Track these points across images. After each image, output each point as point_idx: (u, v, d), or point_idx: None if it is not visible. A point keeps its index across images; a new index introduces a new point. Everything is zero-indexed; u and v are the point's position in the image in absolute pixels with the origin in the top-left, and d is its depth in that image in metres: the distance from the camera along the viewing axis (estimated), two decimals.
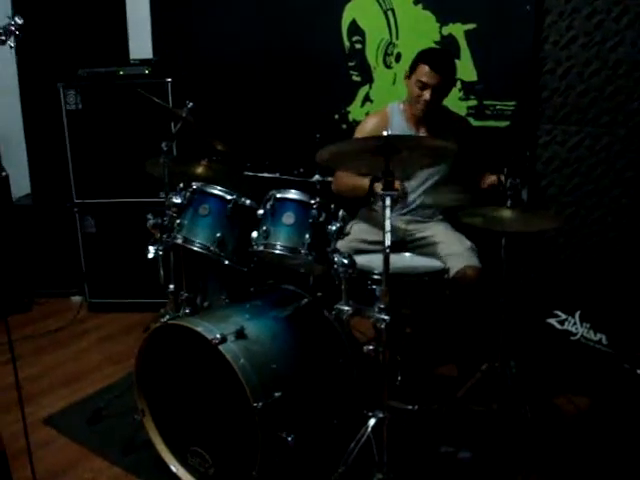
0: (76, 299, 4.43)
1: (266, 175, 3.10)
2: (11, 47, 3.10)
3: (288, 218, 2.44)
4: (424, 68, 2.91)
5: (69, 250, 4.27)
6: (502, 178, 2.83)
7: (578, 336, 3.11)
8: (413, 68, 2.97)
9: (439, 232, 3.11)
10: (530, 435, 2.70)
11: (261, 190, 2.62)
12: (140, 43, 4.42)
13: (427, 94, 2.92)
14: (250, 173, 3.13)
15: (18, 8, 4.30)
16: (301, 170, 2.98)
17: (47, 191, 4.56)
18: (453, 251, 2.95)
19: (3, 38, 3.08)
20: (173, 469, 2.49)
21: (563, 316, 3.13)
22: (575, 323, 3.11)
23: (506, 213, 2.63)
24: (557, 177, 3.35)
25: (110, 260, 4.17)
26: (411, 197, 3.10)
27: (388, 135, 2.13)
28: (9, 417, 2.42)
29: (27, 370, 3.45)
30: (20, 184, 4.56)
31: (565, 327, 3.13)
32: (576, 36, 3.18)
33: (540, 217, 2.82)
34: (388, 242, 2.14)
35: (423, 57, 2.96)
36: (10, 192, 4.19)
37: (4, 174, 4.11)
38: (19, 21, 3.08)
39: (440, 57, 3.01)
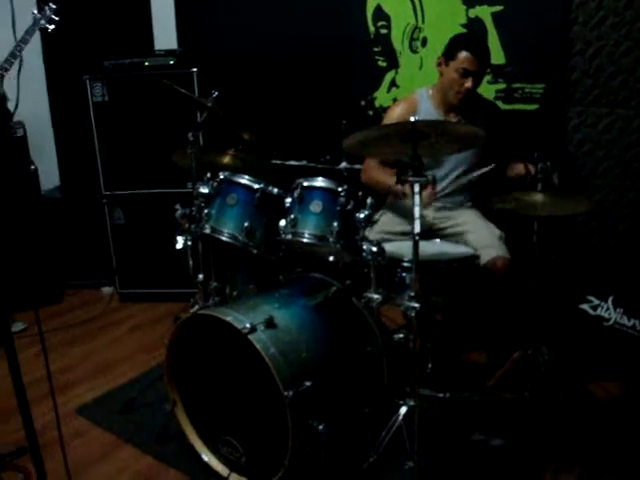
0: (107, 290, 4.46)
1: (293, 163, 3.09)
2: (49, 31, 3.32)
3: (316, 206, 2.42)
4: (466, 55, 2.84)
5: (99, 241, 4.30)
6: (530, 168, 2.80)
7: (611, 322, 3.06)
8: (452, 55, 2.89)
9: (469, 220, 3.07)
10: (563, 422, 2.68)
11: (288, 178, 2.61)
12: (165, 34, 4.43)
13: (469, 82, 2.87)
14: (277, 161, 3.12)
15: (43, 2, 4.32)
16: (328, 157, 2.96)
17: (76, 183, 4.60)
18: (483, 241, 2.90)
19: (43, 23, 3.31)
20: (205, 458, 2.50)
21: (596, 301, 3.09)
22: (608, 308, 3.06)
23: (537, 197, 2.60)
24: (588, 160, 3.29)
25: (140, 251, 4.20)
26: (440, 185, 3.07)
27: (415, 120, 2.11)
28: (42, 407, 2.44)
29: (59, 361, 3.48)
30: (49, 177, 4.60)
31: (598, 313, 3.08)
32: (606, 16, 3.11)
33: (571, 201, 2.78)
34: (417, 229, 2.12)
35: (463, 43, 2.89)
36: (39, 185, 4.22)
37: (33, 167, 4.15)
38: (53, 6, 3.31)
39: (480, 43, 2.96)
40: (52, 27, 3.51)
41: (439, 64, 2.98)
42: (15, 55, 3.40)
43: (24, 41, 3.43)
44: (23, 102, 3.56)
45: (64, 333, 3.87)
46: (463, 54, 2.85)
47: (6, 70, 3.42)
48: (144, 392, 3.02)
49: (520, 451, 2.53)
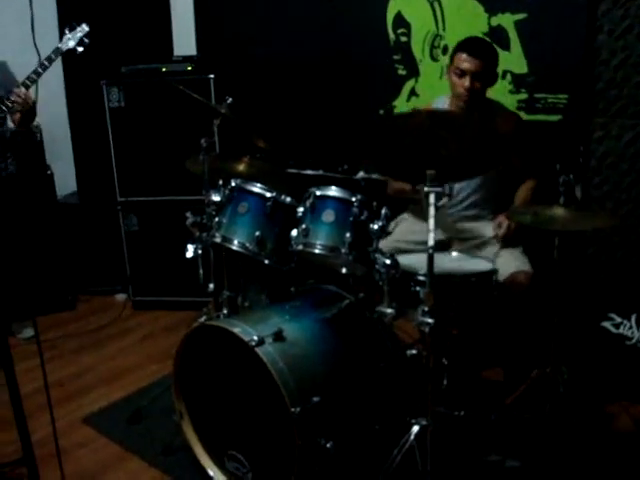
0: (120, 297, 4.43)
1: (309, 172, 3.04)
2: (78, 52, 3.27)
3: (328, 216, 2.36)
4: (461, 55, 2.85)
5: (114, 248, 4.28)
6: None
7: (634, 340, 2.97)
8: (451, 59, 2.92)
9: (490, 232, 2.99)
10: (581, 444, 2.59)
11: (305, 188, 2.56)
12: (185, 40, 4.41)
13: (466, 81, 2.83)
14: (294, 170, 3.07)
15: (62, 6, 4.31)
16: (345, 167, 2.91)
17: (93, 189, 4.57)
18: (504, 254, 2.84)
19: (71, 44, 3.26)
20: (210, 473, 2.44)
21: (618, 319, 3.00)
22: (631, 327, 2.97)
23: (559, 211, 2.51)
24: (612, 173, 3.18)
25: (154, 258, 4.17)
26: (460, 195, 3.00)
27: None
28: (49, 415, 2.40)
29: (70, 368, 3.47)
30: (67, 182, 4.59)
31: (620, 331, 2.99)
32: (632, 25, 3.01)
33: (594, 215, 2.71)
34: (431, 242, 2.05)
35: (459, 45, 2.91)
36: (55, 190, 4.22)
37: (49, 172, 4.14)
38: (86, 28, 3.25)
39: (476, 42, 2.94)
40: (81, 49, 3.41)
41: (447, 73, 2.97)
42: (38, 73, 3.29)
43: (49, 59, 3.32)
44: (41, 106, 3.54)
45: (76, 340, 3.85)
46: (458, 55, 2.86)
47: (27, 87, 3.30)
48: (152, 402, 2.97)
49: (537, 473, 2.45)
